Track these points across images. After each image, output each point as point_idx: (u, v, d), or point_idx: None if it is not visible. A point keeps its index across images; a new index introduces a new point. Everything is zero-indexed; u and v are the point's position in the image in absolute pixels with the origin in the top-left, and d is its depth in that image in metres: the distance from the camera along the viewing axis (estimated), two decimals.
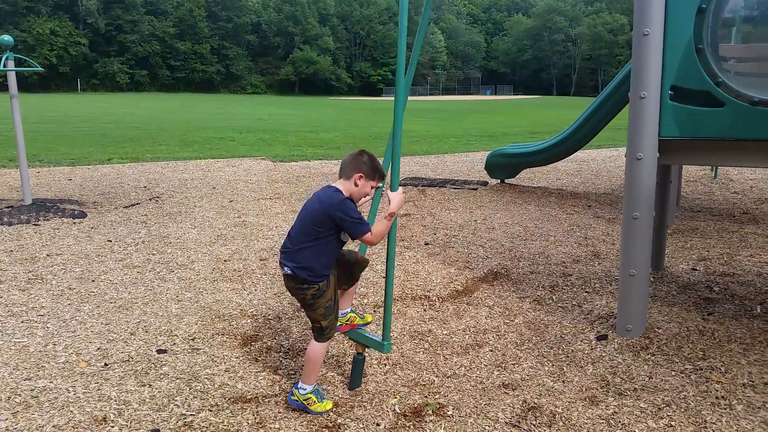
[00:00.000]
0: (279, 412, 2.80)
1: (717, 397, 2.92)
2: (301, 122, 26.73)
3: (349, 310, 3.18)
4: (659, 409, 2.82)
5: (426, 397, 2.96)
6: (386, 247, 2.97)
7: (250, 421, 2.71)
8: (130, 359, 3.32)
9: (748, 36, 3.63)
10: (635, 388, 3.02)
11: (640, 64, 3.45)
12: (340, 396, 2.96)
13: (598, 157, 13.67)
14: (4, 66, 7.01)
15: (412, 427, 2.69)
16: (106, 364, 3.25)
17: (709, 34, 3.40)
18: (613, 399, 2.92)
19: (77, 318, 3.90)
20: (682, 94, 3.49)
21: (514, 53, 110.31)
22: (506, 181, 9.80)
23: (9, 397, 2.87)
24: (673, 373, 3.18)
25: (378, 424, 2.71)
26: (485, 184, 9.62)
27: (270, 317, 3.96)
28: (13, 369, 3.17)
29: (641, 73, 3.45)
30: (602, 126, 8.32)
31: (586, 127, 8.41)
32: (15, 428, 2.62)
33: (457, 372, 3.23)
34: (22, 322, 3.82)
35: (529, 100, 61.32)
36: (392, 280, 2.96)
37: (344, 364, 3.30)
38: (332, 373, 3.20)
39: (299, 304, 2.98)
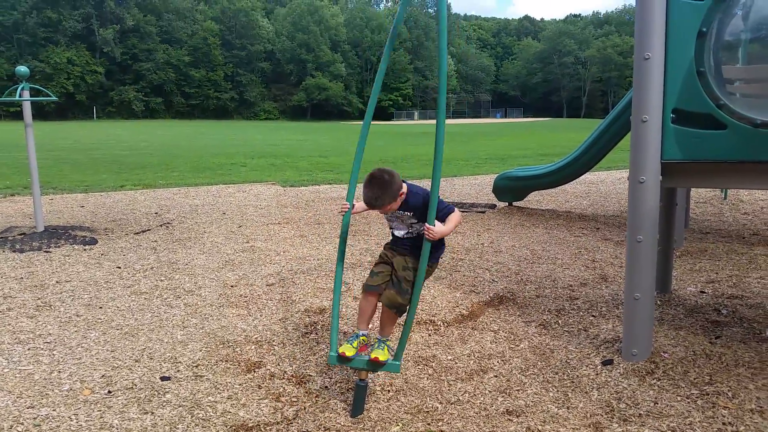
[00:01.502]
0: None
1: (724, 423, 2.87)
2: (312, 147, 26.95)
3: (365, 332, 3.31)
4: None
5: (429, 424, 2.94)
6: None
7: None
8: (134, 386, 3.33)
9: (749, 58, 3.64)
10: (640, 414, 2.97)
11: (642, 88, 3.46)
12: (342, 424, 2.95)
13: (607, 179, 13.63)
14: (20, 96, 7.16)
15: None
16: (109, 392, 3.26)
17: (711, 57, 3.41)
18: (618, 425, 2.88)
19: (83, 345, 3.92)
20: (684, 116, 3.50)
21: (524, 76, 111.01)
22: (514, 203, 9.79)
23: (11, 426, 2.88)
24: (679, 398, 3.13)
25: None
26: (493, 206, 9.62)
27: (274, 343, 3.96)
28: (17, 397, 3.19)
29: (643, 97, 3.46)
30: (610, 148, 8.32)
31: (594, 149, 8.41)
32: None
33: (461, 398, 3.20)
34: (29, 349, 3.85)
35: (539, 123, 61.41)
36: (417, 302, 3.13)
37: (346, 391, 3.29)
38: (335, 401, 3.19)
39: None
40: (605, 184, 12.57)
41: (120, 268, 5.90)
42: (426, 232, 3.03)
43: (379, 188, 3.07)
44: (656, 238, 3.64)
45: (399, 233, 3.29)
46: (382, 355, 3.08)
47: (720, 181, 4.00)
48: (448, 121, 76.83)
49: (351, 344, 3.14)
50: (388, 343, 3.25)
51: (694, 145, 3.49)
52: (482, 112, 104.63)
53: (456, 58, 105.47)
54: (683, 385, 3.26)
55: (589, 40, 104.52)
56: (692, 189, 8.79)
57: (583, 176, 9.46)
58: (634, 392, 3.20)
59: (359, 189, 3.19)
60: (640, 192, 3.51)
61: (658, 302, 4.65)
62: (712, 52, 3.40)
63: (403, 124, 68.60)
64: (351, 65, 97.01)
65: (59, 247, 6.78)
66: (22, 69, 7.15)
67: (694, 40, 3.38)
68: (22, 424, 2.91)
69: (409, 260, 3.23)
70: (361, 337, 3.21)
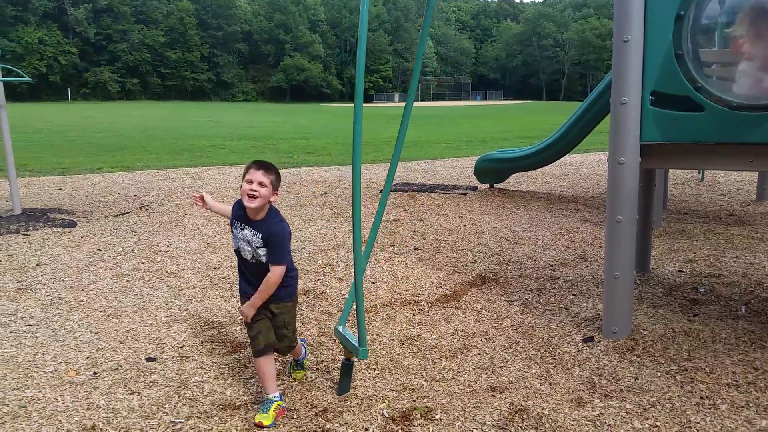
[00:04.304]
0: None
1: (702, 397, 2.96)
2: (292, 129, 26.76)
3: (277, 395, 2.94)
4: (645, 409, 2.86)
5: (414, 401, 2.98)
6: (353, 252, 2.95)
7: (239, 428, 2.72)
8: (119, 368, 3.32)
9: (726, 40, 3.69)
10: (621, 390, 3.05)
11: (621, 71, 3.50)
12: (329, 402, 2.98)
13: (586, 161, 13.77)
14: None
15: (400, 431, 2.71)
16: (95, 373, 3.25)
17: (689, 40, 3.46)
18: (599, 400, 2.95)
19: (66, 327, 3.89)
20: (663, 99, 3.55)
21: (503, 59, 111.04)
22: (495, 185, 9.86)
23: None
24: (659, 373, 3.21)
25: (366, 429, 2.73)
26: (475, 189, 9.67)
27: None
28: (1, 379, 3.16)
29: (622, 79, 3.50)
30: (589, 130, 8.40)
31: (573, 131, 8.48)
32: None
33: (445, 376, 3.25)
34: (11, 332, 3.81)
35: (519, 105, 61.65)
36: (361, 285, 2.85)
37: (333, 369, 3.32)
38: (321, 379, 3.22)
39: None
40: (585, 166, 12.70)
41: (101, 250, 5.84)
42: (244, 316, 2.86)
43: (275, 166, 2.87)
44: (635, 218, 3.70)
45: (244, 254, 2.90)
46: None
47: (697, 162, 4.08)
48: (429, 103, 76.71)
49: (266, 412, 2.78)
50: (305, 360, 3.27)
51: (672, 127, 3.55)
52: (462, 94, 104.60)
53: (435, 39, 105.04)
54: (663, 362, 3.35)
55: (568, 22, 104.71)
56: (670, 170, 8.93)
57: (563, 158, 9.55)
58: (614, 368, 3.28)
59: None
60: (620, 173, 3.57)
61: (638, 281, 4.74)
62: (690, 36, 3.44)
63: (384, 106, 68.32)
64: (330, 46, 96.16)
65: (38, 230, 6.69)
66: None
67: (672, 24, 3.42)
68: (8, 405, 2.89)
69: (272, 307, 2.92)
70: (276, 402, 2.84)
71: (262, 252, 2.84)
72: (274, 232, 2.82)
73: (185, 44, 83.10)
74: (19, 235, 6.47)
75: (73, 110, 45.03)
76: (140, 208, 8.05)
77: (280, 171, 2.90)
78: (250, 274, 2.94)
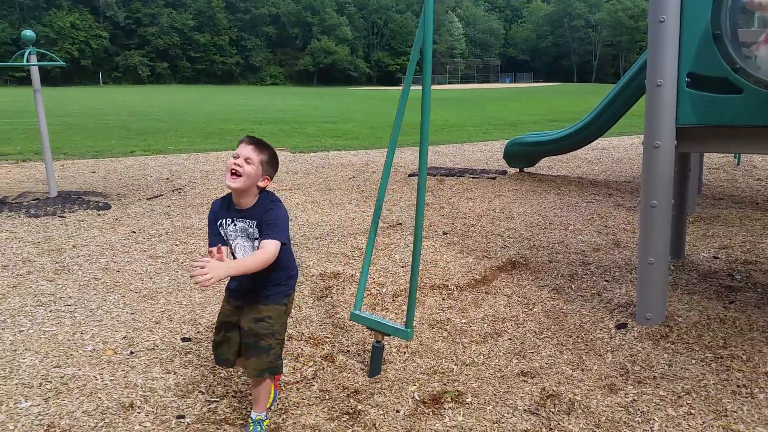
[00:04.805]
0: (301, 399, 2.85)
1: (738, 386, 2.91)
2: (319, 113, 26.80)
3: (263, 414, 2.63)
4: (679, 397, 2.83)
5: (445, 384, 2.99)
6: (413, 236, 2.96)
7: (273, 408, 2.77)
8: (156, 347, 3.40)
9: (764, 21, 3.57)
10: (655, 376, 3.02)
11: (657, 52, 3.42)
12: (360, 383, 3.01)
13: (619, 144, 13.54)
14: (27, 61, 7.13)
15: (431, 414, 2.73)
16: (132, 352, 3.33)
17: (727, 19, 3.35)
18: (632, 387, 2.93)
19: (103, 307, 3.99)
20: (700, 81, 3.46)
21: (533, 40, 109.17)
22: (525, 169, 9.75)
23: (40, 384, 2.96)
24: (694, 361, 3.17)
25: (398, 411, 2.75)
26: (504, 173, 9.59)
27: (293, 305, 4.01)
28: (44, 357, 3.26)
29: (657, 61, 3.42)
30: (622, 113, 8.23)
31: (606, 114, 8.33)
32: (47, 413, 2.70)
33: (475, 360, 3.26)
34: (51, 311, 3.92)
35: (549, 88, 60.72)
36: (418, 267, 3.00)
37: (363, 352, 3.35)
38: (352, 361, 3.25)
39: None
40: (617, 150, 12.49)
41: (135, 232, 5.96)
42: (198, 270, 2.05)
43: (272, 148, 2.49)
44: (671, 203, 3.63)
45: (240, 255, 2.45)
46: None
47: (735, 146, 3.98)
48: (457, 86, 76.01)
49: None
50: (266, 423, 2.60)
51: (709, 110, 3.46)
52: (491, 76, 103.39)
53: (464, 21, 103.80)
54: (697, 349, 3.30)
55: (600, 2, 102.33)
56: (705, 154, 8.73)
57: (595, 142, 9.38)
58: (648, 355, 3.25)
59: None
60: (655, 157, 3.50)
61: (672, 268, 4.67)
62: (729, 15, 3.34)
63: (412, 89, 67.77)
64: (357, 28, 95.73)
65: (73, 212, 6.84)
66: (29, 33, 7.10)
67: (710, 3, 3.32)
68: (51, 382, 2.99)
69: (260, 308, 2.48)
70: (265, 422, 2.59)
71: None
72: (267, 213, 2.39)
73: (214, 28, 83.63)
74: (55, 217, 6.62)
75: (104, 94, 45.75)
76: (173, 191, 8.17)
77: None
78: (242, 276, 2.38)
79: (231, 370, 3.13)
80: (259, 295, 2.48)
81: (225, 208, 2.48)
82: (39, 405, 2.77)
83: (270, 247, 2.30)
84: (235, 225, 2.43)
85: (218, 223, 2.47)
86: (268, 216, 2.38)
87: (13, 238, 5.71)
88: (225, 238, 2.46)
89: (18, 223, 6.33)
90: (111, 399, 2.84)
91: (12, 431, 2.57)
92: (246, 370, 2.56)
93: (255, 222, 2.40)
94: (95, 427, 2.61)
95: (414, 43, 3.08)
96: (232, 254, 2.47)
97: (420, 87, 2.90)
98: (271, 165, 2.44)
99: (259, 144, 2.41)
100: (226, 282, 2.58)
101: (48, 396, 2.86)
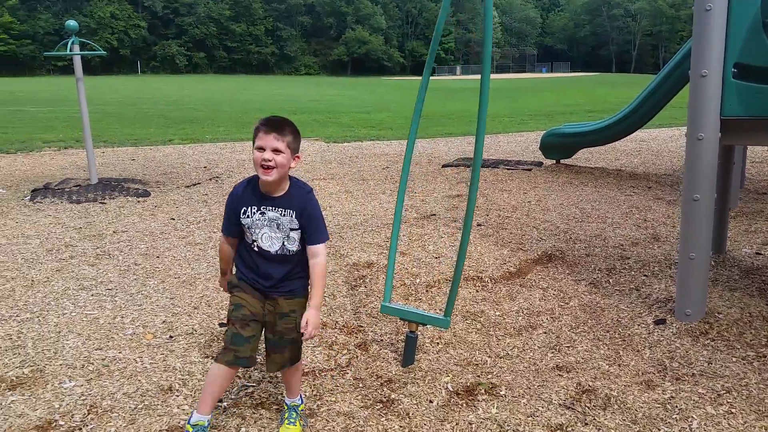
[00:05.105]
0: (335, 386, 2.88)
1: None
2: (353, 103, 26.84)
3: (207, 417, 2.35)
4: (719, 395, 2.77)
5: (479, 376, 2.99)
6: (463, 225, 3.00)
7: (307, 393, 2.80)
8: (194, 332, 3.47)
9: None
10: (693, 373, 2.96)
11: (702, 41, 3.32)
12: (394, 373, 3.02)
13: (659, 136, 13.24)
14: (70, 50, 7.30)
15: (464, 405, 2.73)
16: (171, 337, 3.40)
17: None
18: (670, 384, 2.88)
19: (143, 292, 4.08)
20: (747, 71, 3.35)
21: (571, 29, 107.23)
22: (562, 161, 9.62)
23: (83, 365, 3.05)
24: (734, 359, 3.10)
25: (431, 401, 2.76)
26: (540, 164, 9.47)
27: (325, 295, 4.04)
28: (86, 339, 3.36)
29: (703, 51, 3.33)
30: (663, 104, 8.05)
31: (646, 105, 8.15)
32: (89, 394, 2.78)
33: (510, 353, 3.24)
34: (92, 295, 4.03)
35: (587, 78, 59.61)
36: (464, 256, 3.01)
37: (396, 342, 3.36)
38: (385, 350, 3.26)
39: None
40: (657, 142, 12.21)
41: (174, 219, 6.07)
42: (307, 335, 2.23)
43: (289, 122, 2.34)
44: (713, 197, 3.55)
45: (267, 246, 2.32)
46: (294, 430, 2.46)
47: None
48: (493, 76, 74.95)
49: None
50: (301, 407, 2.56)
51: (756, 101, 3.36)
52: (527, 66, 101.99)
53: (500, 9, 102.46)
54: (738, 347, 3.23)
55: None
56: (748, 148, 8.49)
57: (634, 134, 9.19)
58: (687, 352, 3.18)
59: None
60: (698, 149, 3.41)
61: (712, 263, 4.55)
62: None
63: (446, 79, 67.48)
64: (391, 17, 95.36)
65: (114, 198, 7.00)
66: (72, 23, 7.24)
67: None
68: (93, 364, 3.07)
69: (286, 303, 2.38)
70: (199, 422, 2.31)
71: (296, 236, 2.32)
72: (307, 206, 2.31)
73: (250, 18, 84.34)
74: (96, 203, 6.79)
75: (142, 83, 46.58)
76: (210, 179, 8.30)
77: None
78: (264, 269, 2.35)
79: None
80: (284, 288, 2.39)
81: (251, 194, 2.33)
82: (82, 386, 2.86)
83: (323, 258, 2.34)
84: (263, 214, 2.30)
85: (242, 211, 2.32)
86: (310, 211, 2.31)
87: (56, 224, 5.87)
88: (246, 227, 2.33)
89: (60, 208, 6.51)
90: (150, 382, 2.91)
91: (57, 410, 2.65)
92: (268, 365, 2.49)
93: (294, 212, 2.30)
94: (135, 408, 2.67)
95: (434, 32, 3.06)
96: (252, 245, 2.34)
97: (438, 77, 2.91)
98: (296, 140, 2.33)
99: (278, 127, 2.25)
100: (235, 272, 2.47)
101: (90, 377, 2.94)
